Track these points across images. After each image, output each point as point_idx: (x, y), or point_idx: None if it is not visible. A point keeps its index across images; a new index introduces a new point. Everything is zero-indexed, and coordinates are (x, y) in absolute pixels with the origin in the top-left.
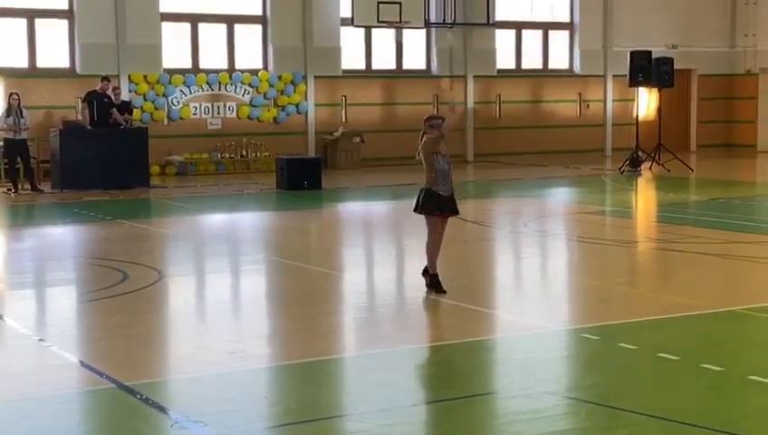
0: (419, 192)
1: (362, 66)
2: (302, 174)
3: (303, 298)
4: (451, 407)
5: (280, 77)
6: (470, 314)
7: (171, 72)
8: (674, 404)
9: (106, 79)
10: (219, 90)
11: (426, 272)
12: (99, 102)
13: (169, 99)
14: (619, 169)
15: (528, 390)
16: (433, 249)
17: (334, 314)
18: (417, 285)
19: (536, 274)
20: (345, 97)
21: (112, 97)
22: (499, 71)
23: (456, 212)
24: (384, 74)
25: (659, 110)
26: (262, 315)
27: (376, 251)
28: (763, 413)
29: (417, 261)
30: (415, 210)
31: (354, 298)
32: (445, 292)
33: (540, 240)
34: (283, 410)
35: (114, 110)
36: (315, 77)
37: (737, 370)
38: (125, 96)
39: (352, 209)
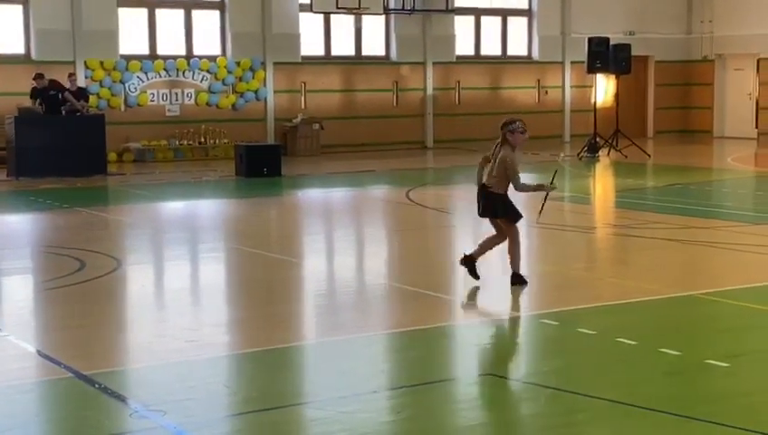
0: (494, 197)
1: (321, 53)
2: (261, 161)
3: (263, 286)
4: (412, 393)
5: (238, 63)
6: (430, 300)
7: (128, 58)
8: (633, 389)
9: (39, 75)
10: (177, 76)
11: (468, 261)
12: (44, 97)
13: (126, 85)
14: (578, 154)
15: (488, 375)
16: (489, 246)
17: (294, 301)
18: (377, 272)
19: (496, 260)
20: (304, 84)
21: (68, 84)
22: (458, 57)
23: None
24: (343, 61)
25: (617, 96)
26: (221, 303)
27: (336, 238)
28: (720, 397)
29: (377, 248)
30: (519, 218)
31: (314, 285)
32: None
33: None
34: (243, 399)
35: (68, 94)
36: (274, 63)
37: (695, 354)
38: (81, 83)
39: (312, 196)
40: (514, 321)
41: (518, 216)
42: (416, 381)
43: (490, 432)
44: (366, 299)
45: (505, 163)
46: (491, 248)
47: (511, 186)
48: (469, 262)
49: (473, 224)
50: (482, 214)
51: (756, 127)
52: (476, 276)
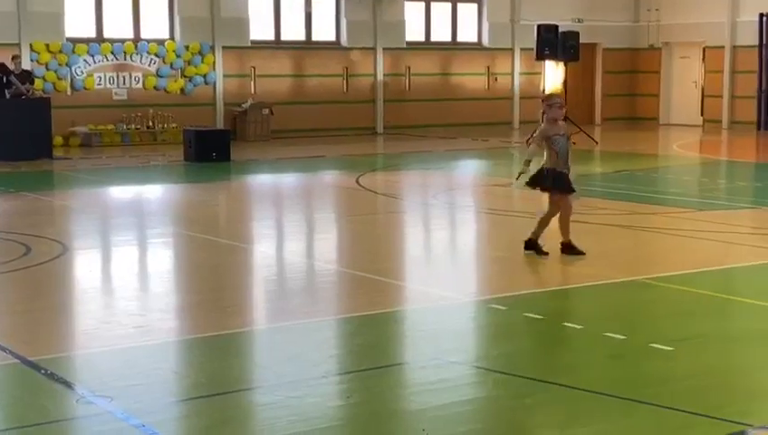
0: (542, 172)
1: (271, 37)
2: (210, 146)
3: (212, 271)
4: (361, 378)
5: (187, 47)
6: (380, 285)
7: (74, 41)
8: (579, 372)
9: None
10: (125, 60)
11: (533, 245)
12: None
13: (73, 68)
14: (527, 141)
15: (437, 360)
16: (565, 221)
17: (243, 286)
18: (327, 257)
19: (445, 245)
20: (254, 68)
21: (12, 67)
22: (408, 43)
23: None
24: (293, 46)
25: (565, 83)
26: (169, 289)
27: (286, 223)
28: (664, 380)
29: (327, 233)
30: (538, 188)
31: (263, 271)
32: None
33: (449, 212)
34: (191, 384)
35: (13, 77)
36: (223, 47)
37: (639, 338)
38: (26, 65)
39: (262, 182)
40: (463, 306)
41: (570, 189)
42: (366, 365)
43: (440, 417)
44: (316, 284)
45: (541, 135)
46: (548, 224)
47: (558, 152)
48: (531, 245)
49: (422, 209)
50: (533, 186)
51: (702, 114)
52: (544, 253)
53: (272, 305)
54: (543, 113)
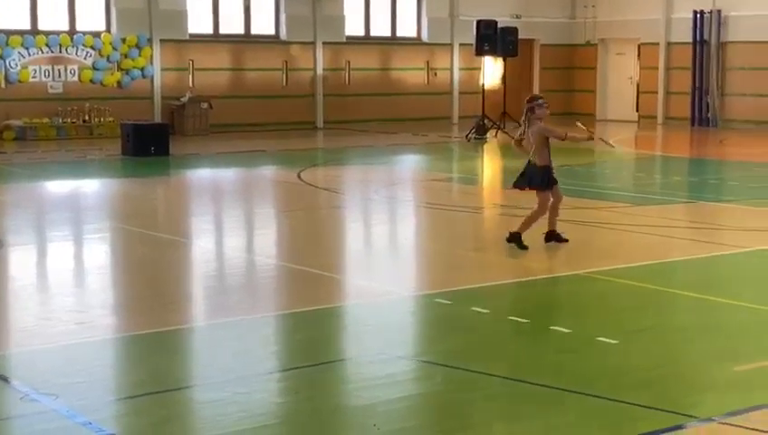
0: (534, 169)
1: (210, 30)
2: (148, 140)
3: (152, 266)
4: (308, 374)
5: (124, 40)
6: (324, 280)
7: (8, 33)
8: (527, 366)
9: None
10: (60, 52)
11: (516, 239)
12: None
13: (7, 61)
14: (466, 136)
15: (383, 355)
16: (554, 213)
17: (184, 282)
18: (269, 253)
19: (389, 240)
20: (192, 61)
21: None
22: (348, 38)
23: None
24: (232, 39)
25: (504, 78)
26: (109, 285)
27: (227, 218)
28: (611, 373)
29: (268, 228)
30: (544, 187)
31: (204, 266)
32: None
33: (391, 207)
34: (136, 381)
35: None
36: (161, 40)
37: (585, 332)
38: None
39: (202, 176)
40: (408, 300)
41: (550, 184)
42: (312, 361)
43: (388, 411)
44: (259, 280)
45: (544, 131)
46: (552, 216)
47: (549, 156)
48: (551, 236)
49: (365, 204)
50: (520, 184)
51: (637, 110)
52: (565, 239)
53: (213, 301)
54: (527, 113)
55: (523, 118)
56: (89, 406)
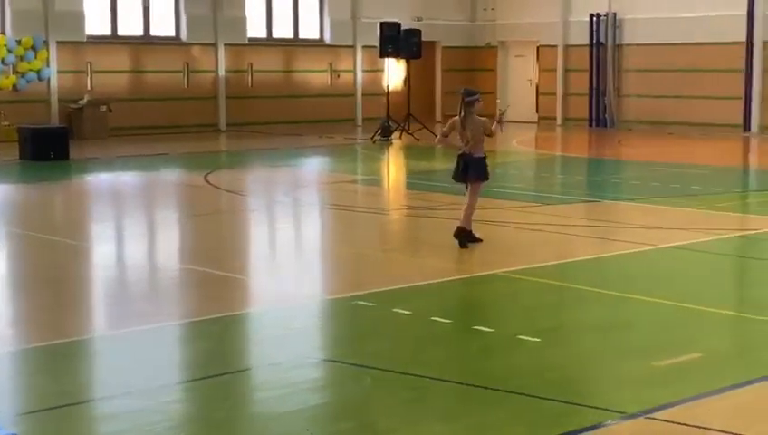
0: (477, 162)
1: (108, 32)
2: (47, 144)
3: (52, 274)
4: (236, 380)
5: (19, 42)
6: (243, 285)
7: None
8: (453, 366)
9: None
10: None
11: (467, 237)
12: None
13: None
14: (371, 138)
15: (310, 359)
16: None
17: (87, 290)
18: (180, 257)
19: (302, 243)
20: (90, 64)
21: None
22: (250, 39)
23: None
24: (131, 41)
25: (408, 80)
26: (7, 294)
27: (132, 224)
28: (535, 371)
29: (175, 233)
30: (487, 178)
31: (107, 272)
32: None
33: (301, 209)
34: (35, 396)
35: None
36: (57, 42)
37: (507, 330)
38: None
39: (104, 180)
40: (331, 303)
41: (488, 177)
42: (238, 367)
43: (321, 416)
44: (171, 285)
45: (484, 125)
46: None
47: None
48: (463, 234)
49: (277, 207)
50: (461, 178)
51: (537, 111)
52: (475, 240)
53: (120, 309)
54: (466, 107)
55: (460, 113)
56: None
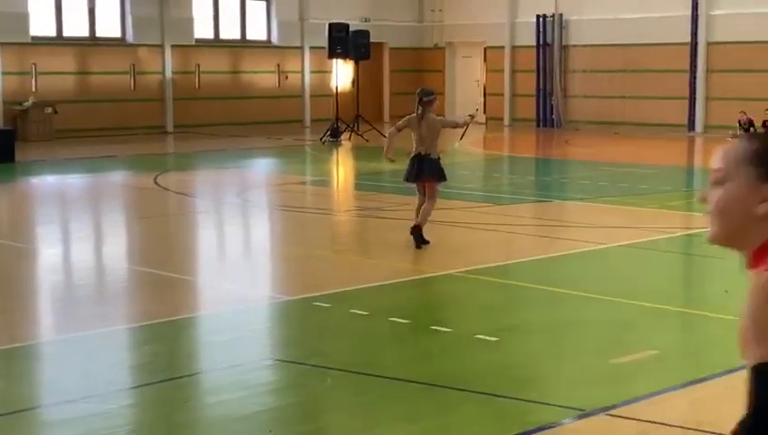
0: (432, 162)
1: (53, 33)
2: None
3: None
4: (196, 382)
5: None
6: (198, 287)
7: None
8: (413, 366)
9: None
10: None
11: (417, 231)
12: None
13: None
14: (320, 139)
15: (269, 360)
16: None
17: (35, 293)
18: (132, 259)
19: (254, 244)
20: (35, 65)
21: None
22: (197, 40)
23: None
24: (77, 42)
25: (357, 81)
26: None
27: (79, 226)
28: (495, 370)
29: (126, 236)
30: (444, 179)
31: (55, 276)
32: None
33: (252, 211)
34: None
35: None
36: (2, 44)
37: (464, 330)
38: None
39: (52, 183)
40: (288, 304)
41: (445, 177)
42: (198, 369)
43: (282, 417)
44: (127, 289)
45: (441, 123)
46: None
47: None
48: (418, 231)
49: (228, 209)
50: (415, 179)
51: (484, 112)
52: (426, 241)
53: (69, 313)
54: (425, 107)
55: (417, 112)
56: None
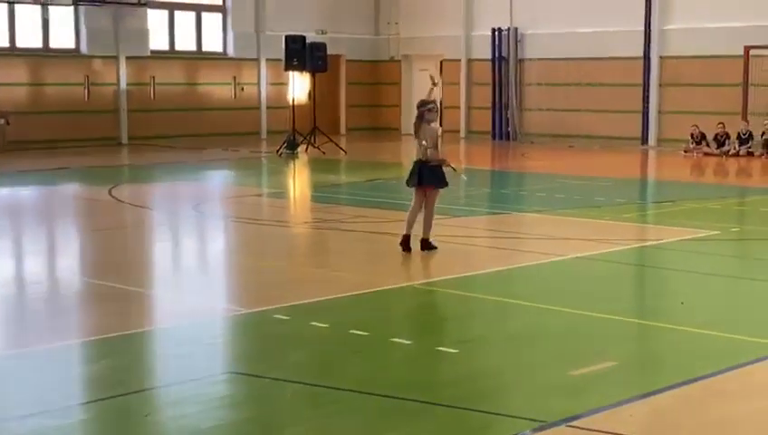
0: (433, 169)
1: (6, 44)
2: None
3: None
4: (154, 395)
5: None
6: (154, 300)
7: None
8: (374, 379)
9: None
10: None
11: (407, 241)
12: None
13: None
14: (277, 151)
15: (228, 374)
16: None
17: None
18: (80, 272)
19: (211, 257)
20: None
21: None
22: (153, 52)
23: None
24: (30, 53)
25: (313, 93)
26: None
27: (30, 239)
28: (456, 382)
29: (73, 248)
30: (445, 185)
31: (6, 289)
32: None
33: (208, 223)
34: None
35: None
36: None
37: (425, 342)
38: None
39: (3, 196)
40: (247, 317)
41: (446, 183)
42: (154, 384)
43: (242, 431)
44: (82, 302)
45: (437, 133)
46: (415, 220)
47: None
48: (426, 245)
49: (181, 221)
50: (414, 183)
51: (440, 125)
52: (434, 246)
53: (21, 326)
54: (420, 117)
55: (415, 121)
56: None
